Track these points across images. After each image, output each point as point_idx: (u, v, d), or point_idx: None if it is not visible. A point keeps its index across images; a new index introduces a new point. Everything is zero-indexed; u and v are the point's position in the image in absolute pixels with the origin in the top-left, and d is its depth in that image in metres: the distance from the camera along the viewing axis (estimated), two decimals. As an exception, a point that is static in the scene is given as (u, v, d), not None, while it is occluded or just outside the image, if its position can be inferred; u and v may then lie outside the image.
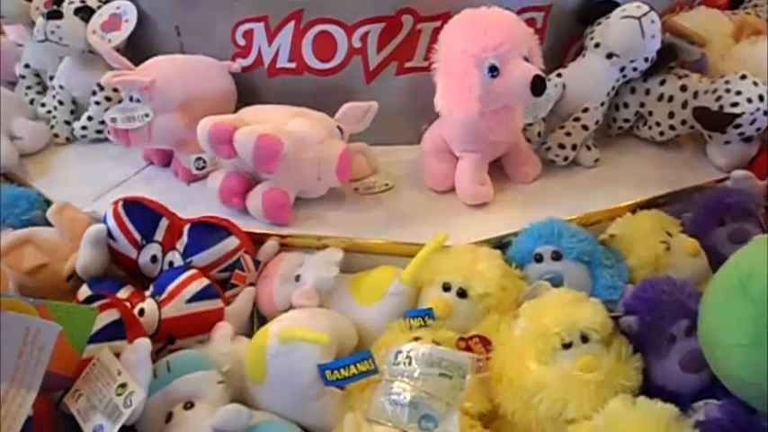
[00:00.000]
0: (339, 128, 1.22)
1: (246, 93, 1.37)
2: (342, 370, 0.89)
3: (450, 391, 0.90)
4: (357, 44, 1.29)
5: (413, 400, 0.88)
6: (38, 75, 1.52)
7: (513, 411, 0.91)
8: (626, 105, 1.35)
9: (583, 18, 1.33)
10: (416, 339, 0.97)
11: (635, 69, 1.28)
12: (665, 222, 1.14)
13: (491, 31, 1.08)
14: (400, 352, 0.93)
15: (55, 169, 1.38)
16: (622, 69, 1.28)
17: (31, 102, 1.51)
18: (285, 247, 1.16)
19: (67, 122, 1.46)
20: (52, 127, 1.46)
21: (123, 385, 0.79)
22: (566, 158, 1.28)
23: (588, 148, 1.30)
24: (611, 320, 0.94)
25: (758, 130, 1.22)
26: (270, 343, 0.88)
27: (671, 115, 1.30)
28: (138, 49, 1.43)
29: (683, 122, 1.29)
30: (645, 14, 1.20)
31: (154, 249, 1.08)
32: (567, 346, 0.90)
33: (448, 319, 1.01)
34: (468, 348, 0.99)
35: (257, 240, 1.16)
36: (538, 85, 1.07)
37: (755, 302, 0.77)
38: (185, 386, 0.86)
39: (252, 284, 1.10)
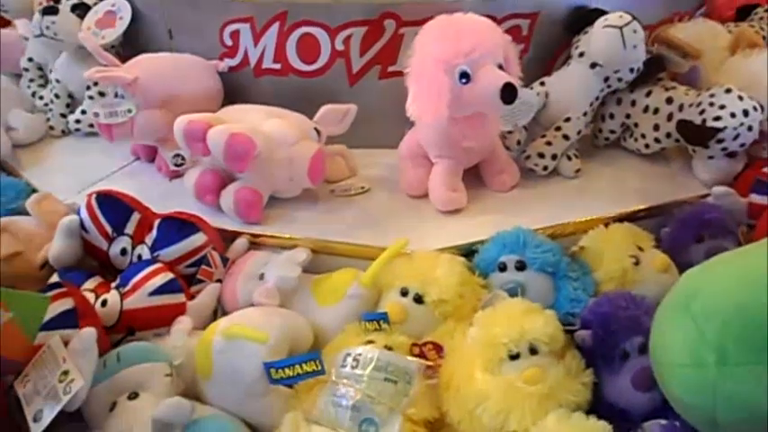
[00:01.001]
0: (317, 129, 1.23)
1: (234, 92, 1.39)
2: (286, 369, 0.90)
3: (394, 397, 0.90)
4: (340, 47, 1.30)
5: (356, 403, 0.88)
6: (41, 68, 1.57)
7: (459, 420, 0.91)
8: (612, 116, 1.33)
9: (570, 26, 1.32)
10: (369, 343, 0.97)
11: (620, 80, 1.26)
12: (637, 237, 1.11)
13: (463, 37, 1.08)
14: (349, 355, 0.94)
15: (47, 160, 1.43)
16: (606, 79, 1.26)
17: (33, 94, 1.55)
18: (256, 245, 1.17)
19: (63, 115, 1.50)
20: (48, 119, 1.51)
21: (66, 372, 0.81)
22: (545, 168, 1.27)
23: (569, 158, 1.28)
24: (563, 333, 0.93)
25: (742, 145, 1.19)
26: (215, 339, 0.89)
27: (656, 128, 1.27)
28: (132, 46, 1.47)
29: (669, 135, 1.26)
30: (626, 24, 1.18)
31: (124, 242, 1.11)
32: (514, 357, 0.89)
33: (404, 324, 1.01)
34: (421, 354, 0.99)
35: (229, 238, 1.18)
36: (508, 93, 1.07)
37: (697, 322, 0.75)
38: (132, 377, 0.88)
39: (219, 281, 1.12)
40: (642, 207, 1.21)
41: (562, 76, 1.29)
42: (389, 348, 0.97)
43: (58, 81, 1.48)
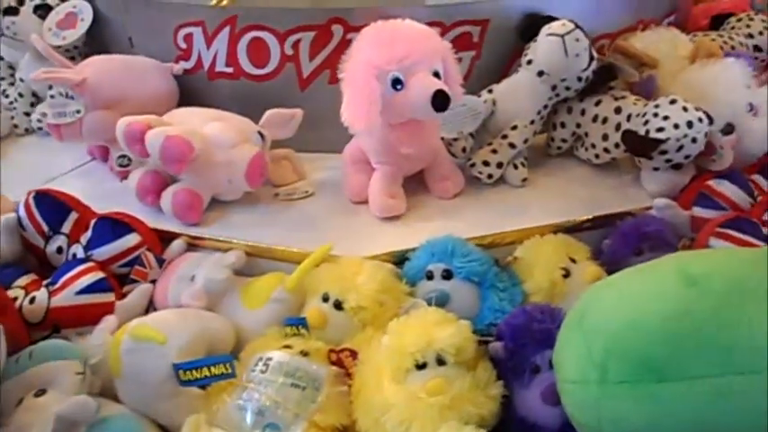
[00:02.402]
0: (260, 133, 1.24)
1: (191, 95, 1.41)
2: (195, 371, 0.91)
3: (300, 402, 0.90)
4: (289, 51, 1.30)
5: (260, 407, 0.89)
6: (12, 67, 1.60)
7: (366, 429, 0.90)
8: (563, 125, 1.32)
9: (522, 34, 1.30)
10: (286, 347, 0.98)
11: (568, 88, 1.25)
12: (571, 248, 1.10)
13: (397, 43, 1.08)
14: (260, 359, 0.94)
15: (8, 158, 1.46)
16: (554, 88, 1.24)
17: (3, 92, 1.59)
18: (194, 247, 1.18)
19: (27, 114, 1.53)
20: (12, 118, 1.54)
21: (-30, 368, 0.83)
22: (490, 176, 1.26)
23: (516, 166, 1.27)
24: (475, 344, 0.93)
25: (687, 157, 1.16)
26: (123, 338, 0.90)
27: (605, 137, 1.25)
28: (95, 48, 1.49)
29: (617, 146, 1.24)
30: (568, 33, 1.16)
31: (60, 241, 1.13)
32: (421, 366, 0.89)
33: (323, 330, 1.01)
34: (338, 361, 0.99)
35: (170, 239, 1.19)
36: (439, 101, 1.06)
37: (585, 339, 0.74)
38: (41, 374, 0.89)
39: (154, 281, 1.13)
40: (586, 218, 1.19)
41: (510, 84, 1.28)
42: (306, 354, 0.97)
43: (21, 80, 1.51)
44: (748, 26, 1.57)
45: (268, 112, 1.26)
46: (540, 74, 1.23)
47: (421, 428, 0.85)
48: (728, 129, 1.21)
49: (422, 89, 1.06)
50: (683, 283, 0.69)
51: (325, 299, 1.02)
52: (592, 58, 1.23)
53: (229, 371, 0.92)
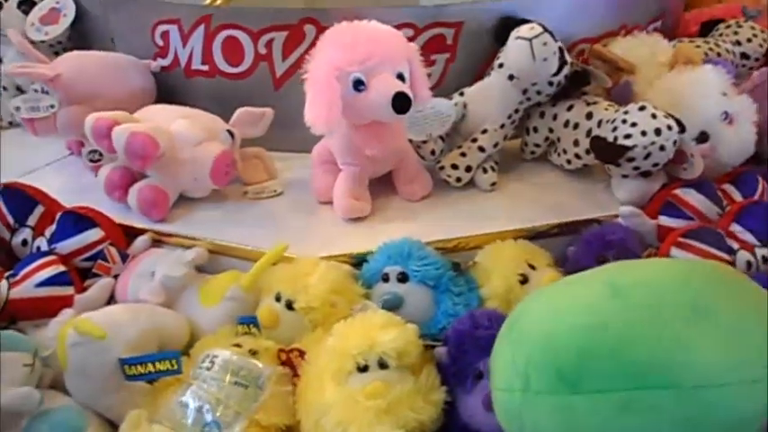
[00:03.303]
0: (230, 132, 1.25)
1: (169, 92, 1.41)
2: (140, 366, 0.92)
3: (242, 401, 0.90)
4: (263, 50, 1.30)
5: (202, 404, 0.89)
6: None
7: (308, 430, 0.91)
8: (536, 130, 1.30)
9: (497, 37, 1.29)
10: (236, 346, 0.98)
11: (539, 93, 1.23)
12: (531, 254, 1.09)
13: (359, 44, 1.07)
14: (207, 356, 0.95)
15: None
16: (525, 92, 1.23)
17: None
18: (160, 243, 1.19)
19: (11, 107, 1.55)
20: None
21: None
22: (458, 180, 1.25)
23: (485, 170, 1.26)
24: (419, 349, 0.92)
25: (655, 165, 1.14)
26: (68, 332, 0.91)
27: (576, 143, 1.24)
28: (79, 44, 1.51)
29: (588, 151, 1.22)
30: (536, 36, 1.15)
31: (25, 234, 1.15)
32: (362, 369, 0.89)
33: (275, 330, 1.01)
34: (287, 360, 0.99)
35: (137, 234, 1.20)
36: (400, 103, 1.05)
37: (512, 347, 0.74)
38: (-12, 365, 0.91)
39: (117, 276, 1.14)
40: (553, 224, 1.18)
41: (482, 87, 1.27)
42: (255, 352, 0.97)
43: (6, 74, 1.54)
44: (736, 33, 1.54)
45: (238, 111, 1.27)
46: (511, 77, 1.22)
47: (358, 431, 0.85)
48: (702, 137, 1.19)
49: (382, 91, 1.06)
50: (608, 294, 0.67)
51: (278, 298, 1.02)
52: (564, 63, 1.21)
53: (175, 367, 0.93)
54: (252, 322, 1.01)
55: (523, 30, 1.17)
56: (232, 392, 0.90)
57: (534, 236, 1.17)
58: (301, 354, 0.97)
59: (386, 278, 1.05)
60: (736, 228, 1.07)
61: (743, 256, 1.04)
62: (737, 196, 1.16)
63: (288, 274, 1.03)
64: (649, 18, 1.52)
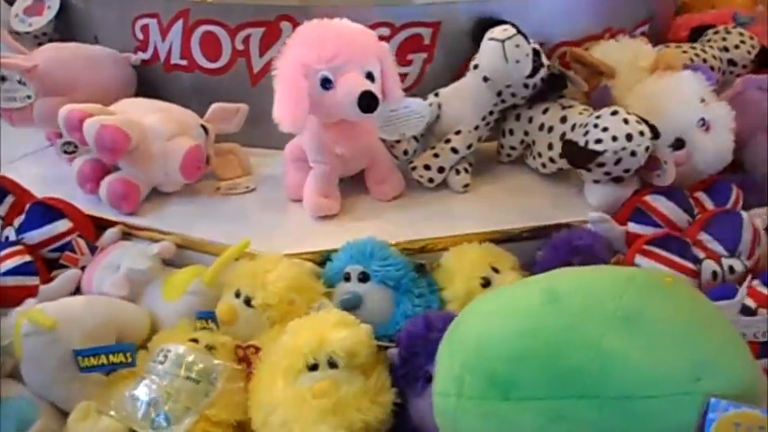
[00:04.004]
0: (203, 127, 1.25)
1: (149, 86, 1.42)
2: (93, 358, 0.92)
3: (193, 396, 0.90)
4: (240, 46, 1.31)
5: (152, 398, 0.89)
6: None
7: (258, 427, 0.90)
8: (511, 132, 1.29)
9: (475, 38, 1.28)
10: (193, 341, 0.98)
11: (514, 95, 1.22)
12: (495, 257, 1.08)
13: (327, 42, 1.07)
14: (162, 350, 0.95)
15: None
16: (499, 94, 1.22)
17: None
18: (129, 236, 1.19)
19: (-5, 98, 1.57)
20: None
21: None
22: (431, 180, 1.24)
23: (458, 172, 1.25)
24: (371, 349, 0.92)
25: (626, 171, 1.13)
26: (23, 322, 0.92)
27: (550, 147, 1.23)
28: (63, 36, 1.52)
29: (563, 156, 1.21)
30: (509, 38, 1.14)
31: (-6, 223, 1.16)
32: (312, 367, 0.89)
33: (233, 326, 1.01)
34: (244, 357, 0.99)
35: (107, 227, 1.20)
36: (365, 102, 1.05)
37: (451, 351, 0.73)
38: (-57, 352, 0.92)
39: (84, 268, 1.15)
40: (523, 227, 1.18)
41: (457, 88, 1.26)
42: (212, 348, 0.98)
43: (-9, 65, 1.55)
44: (724, 39, 1.52)
45: (213, 106, 1.27)
46: (486, 79, 1.21)
47: (302, 430, 0.85)
48: (678, 144, 1.18)
49: (349, 89, 1.05)
50: (545, 300, 0.67)
51: (238, 294, 1.02)
52: (540, 66, 1.20)
53: (129, 360, 0.94)
54: (210, 317, 1.01)
55: (496, 31, 1.16)
56: (183, 387, 0.90)
57: (505, 239, 1.16)
58: (257, 351, 0.97)
59: (347, 277, 1.05)
60: (704, 237, 1.06)
61: (708, 265, 1.02)
62: (710, 205, 1.15)
63: (248, 271, 1.03)
64: (637, 22, 1.50)
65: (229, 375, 0.93)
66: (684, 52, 1.47)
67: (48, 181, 1.31)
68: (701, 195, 1.16)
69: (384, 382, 0.90)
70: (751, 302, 0.96)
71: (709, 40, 1.53)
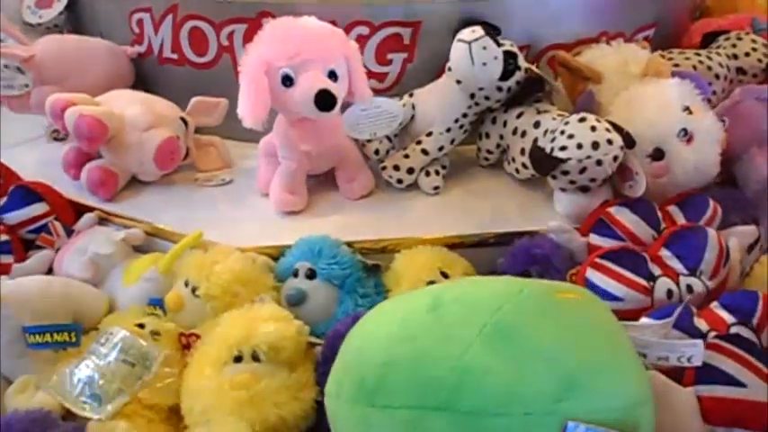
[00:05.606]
0: (183, 119, 1.29)
1: (144, 78, 1.48)
2: (39, 335, 0.96)
3: (127, 378, 0.93)
4: (225, 42, 1.34)
5: (89, 377, 0.93)
6: None
7: (185, 413, 0.93)
8: (487, 135, 1.27)
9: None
10: (139, 326, 1.02)
11: (487, 98, 1.20)
12: (445, 262, 1.06)
13: (290, 40, 1.08)
14: (105, 333, 0.98)
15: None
16: (472, 96, 1.20)
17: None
18: (105, 222, 1.24)
19: (7, 85, 1.66)
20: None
21: None
22: (400, 181, 1.23)
23: (428, 173, 1.24)
24: (298, 345, 0.93)
25: (593, 180, 1.09)
26: (-24, 299, 0.97)
27: (523, 152, 1.20)
28: (74, 27, 1.59)
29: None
30: (476, 40, 1.12)
31: (-21, 204, 1.23)
32: (237, 359, 0.90)
33: (179, 313, 1.04)
34: (186, 344, 1.02)
35: (87, 211, 1.26)
36: (322, 100, 1.06)
37: (341, 353, 0.73)
38: None
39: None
40: (488, 233, 1.15)
41: (431, 90, 1.24)
42: (157, 333, 1.00)
43: (1, 54, 1.64)
44: (734, 46, 1.43)
45: (193, 100, 1.31)
46: (458, 81, 1.19)
47: (219, 420, 0.86)
48: (657, 154, 1.13)
49: (306, 88, 1.06)
50: (428, 307, 0.65)
51: (186, 284, 1.05)
52: (514, 69, 1.18)
53: (73, 340, 0.98)
54: (160, 304, 1.04)
55: (465, 33, 1.14)
56: (118, 369, 0.93)
57: (470, 244, 1.14)
58: (198, 338, 1.00)
59: (296, 273, 1.06)
60: (664, 253, 1.01)
61: (663, 283, 0.97)
62: (681, 220, 1.09)
63: (197, 261, 1.05)
64: (638, 26, 1.44)
65: (166, 361, 0.95)
66: (687, 59, 1.40)
67: (48, 165, 1.38)
68: (673, 209, 1.10)
69: (308, 379, 0.91)
70: (703, 325, 0.92)
71: (719, 47, 1.45)
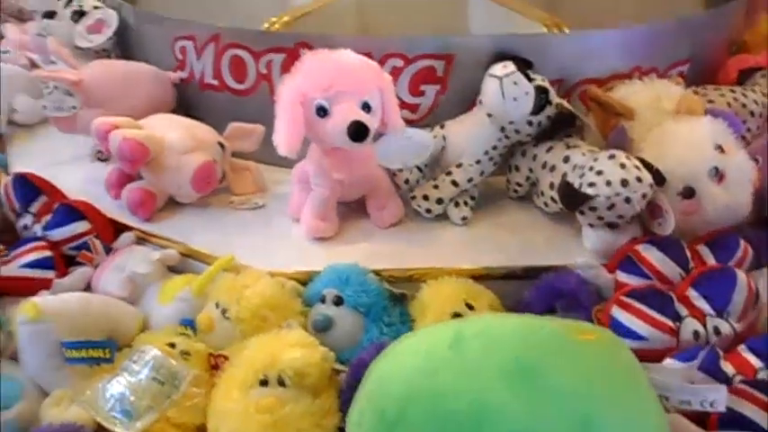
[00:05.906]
0: (221, 144, 1.33)
1: (186, 103, 1.53)
2: (75, 350, 1.00)
3: (156, 396, 0.96)
4: (263, 70, 1.38)
5: (120, 393, 0.96)
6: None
7: (211, 433, 0.96)
8: (517, 168, 1.28)
9: (489, 71, 1.29)
10: (171, 345, 1.05)
11: (518, 132, 1.21)
12: (471, 293, 1.07)
13: (325, 72, 1.12)
14: (139, 350, 1.02)
15: (34, 141, 1.64)
16: (503, 129, 1.22)
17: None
18: (143, 241, 1.29)
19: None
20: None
21: None
22: (428, 211, 1.25)
23: (457, 204, 1.25)
24: (324, 372, 0.94)
25: (620, 217, 1.09)
26: (20, 311, 1.02)
27: (551, 186, 1.21)
28: (123, 52, 1.67)
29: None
30: (507, 75, 1.14)
31: (27, 219, 1.28)
32: (263, 383, 0.93)
33: (209, 335, 1.07)
34: (215, 365, 1.04)
35: (126, 230, 1.30)
36: (354, 131, 1.09)
37: (364, 383, 0.75)
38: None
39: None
40: (515, 266, 1.16)
41: (462, 121, 1.26)
42: (187, 353, 1.04)
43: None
44: (771, 84, 1.43)
45: (231, 125, 1.35)
46: (489, 115, 1.21)
47: (243, 442, 0.89)
48: (687, 192, 1.12)
49: (340, 119, 1.09)
50: (450, 342, 0.67)
51: (217, 306, 1.08)
52: (546, 104, 1.19)
53: (108, 356, 1.01)
54: (191, 324, 1.08)
55: (496, 68, 1.16)
56: (149, 387, 0.96)
57: (497, 276, 1.15)
58: (227, 360, 1.03)
59: (323, 299, 1.08)
60: (692, 293, 1.00)
61: (690, 324, 0.97)
62: (711, 259, 1.08)
63: (228, 284, 1.08)
64: (672, 61, 1.44)
65: (195, 381, 0.98)
66: (722, 95, 1.39)
67: (91, 184, 1.44)
68: (703, 249, 1.09)
69: (332, 406, 0.93)
70: (730, 368, 0.91)
71: (755, 84, 1.44)
